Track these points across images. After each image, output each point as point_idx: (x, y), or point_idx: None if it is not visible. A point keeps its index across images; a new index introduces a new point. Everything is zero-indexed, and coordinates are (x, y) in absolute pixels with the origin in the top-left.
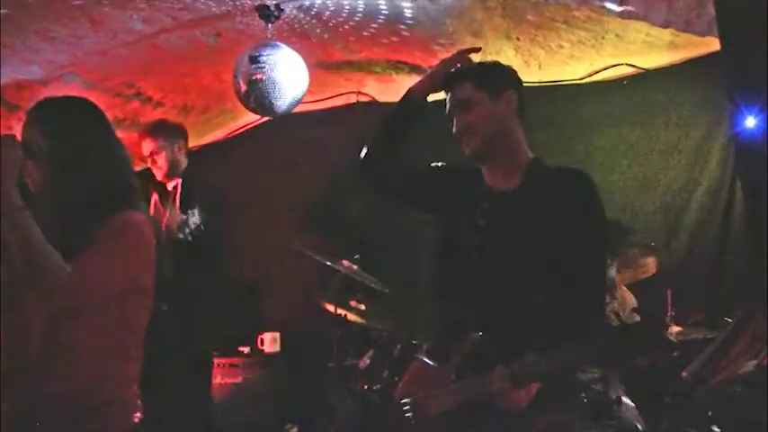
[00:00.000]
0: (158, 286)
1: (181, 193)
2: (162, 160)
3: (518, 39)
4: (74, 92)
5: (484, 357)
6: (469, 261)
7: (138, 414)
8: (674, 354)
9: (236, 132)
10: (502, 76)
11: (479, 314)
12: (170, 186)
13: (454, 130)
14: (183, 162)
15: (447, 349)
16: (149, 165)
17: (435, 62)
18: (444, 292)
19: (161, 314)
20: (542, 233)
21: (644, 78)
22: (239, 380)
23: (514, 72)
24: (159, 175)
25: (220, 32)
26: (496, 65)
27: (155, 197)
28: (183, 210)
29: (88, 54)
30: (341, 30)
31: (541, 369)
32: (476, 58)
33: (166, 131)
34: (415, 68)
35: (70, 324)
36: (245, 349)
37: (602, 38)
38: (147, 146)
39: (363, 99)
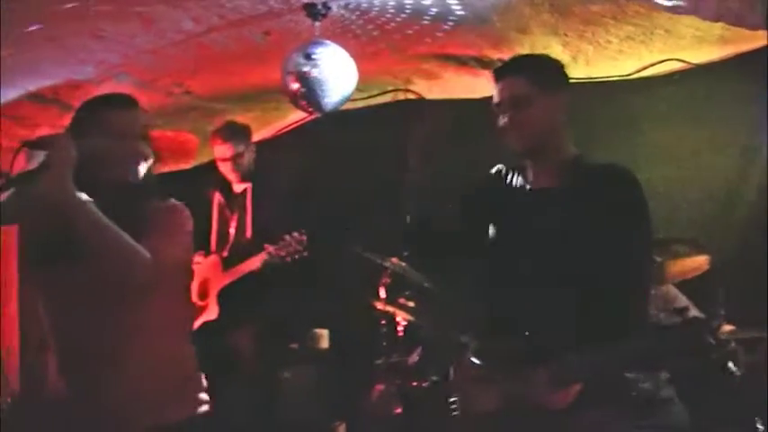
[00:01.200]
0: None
1: (253, 199)
2: (242, 164)
3: (566, 34)
4: (125, 91)
5: (529, 357)
6: (513, 261)
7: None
8: (713, 356)
9: (284, 130)
10: (556, 72)
11: (524, 314)
12: (237, 189)
13: (502, 123)
14: (252, 166)
15: (493, 348)
16: (223, 168)
17: (482, 58)
18: (489, 292)
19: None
20: (586, 232)
21: (694, 74)
22: (290, 375)
23: (564, 67)
24: (235, 179)
25: (268, 31)
26: (550, 60)
27: (217, 197)
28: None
29: (139, 53)
30: (387, 27)
31: (580, 371)
32: (525, 50)
33: (241, 134)
34: (462, 65)
35: (144, 306)
36: (295, 345)
37: (652, 33)
38: (226, 150)
39: (410, 96)
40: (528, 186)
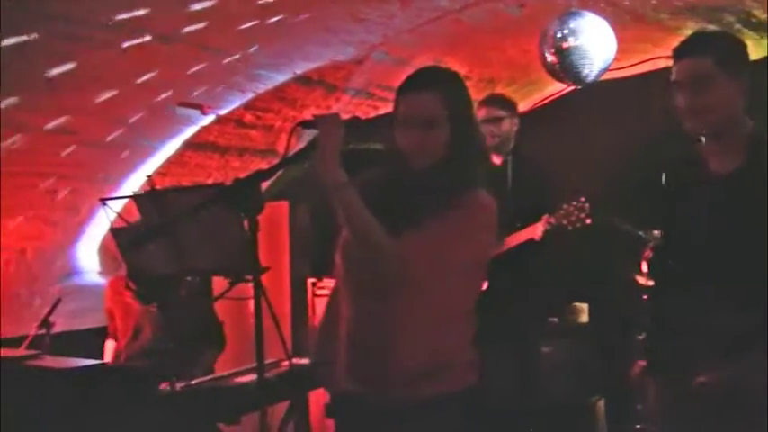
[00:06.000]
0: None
1: (512, 176)
2: (497, 129)
3: None
4: (384, 70)
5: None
6: (690, 254)
7: (473, 376)
8: None
9: (542, 103)
10: (741, 52)
11: (701, 315)
12: (496, 161)
13: (682, 104)
14: (513, 140)
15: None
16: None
17: (750, 19)
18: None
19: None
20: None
21: None
22: (549, 349)
23: (746, 47)
24: (493, 149)
25: (524, 4)
26: (734, 39)
27: None
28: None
29: (397, 33)
30: None
31: None
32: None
33: (505, 103)
34: (727, 27)
35: (407, 293)
36: (555, 319)
37: None
38: (486, 111)
39: (671, 64)
40: (703, 171)
